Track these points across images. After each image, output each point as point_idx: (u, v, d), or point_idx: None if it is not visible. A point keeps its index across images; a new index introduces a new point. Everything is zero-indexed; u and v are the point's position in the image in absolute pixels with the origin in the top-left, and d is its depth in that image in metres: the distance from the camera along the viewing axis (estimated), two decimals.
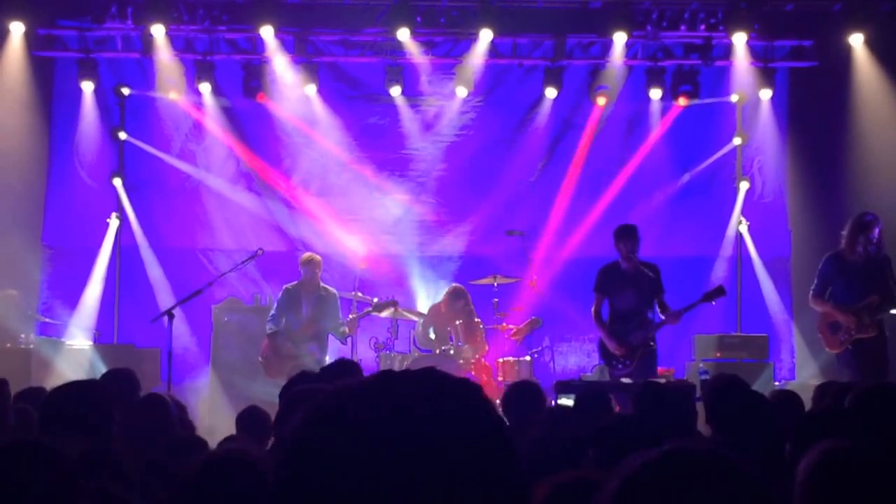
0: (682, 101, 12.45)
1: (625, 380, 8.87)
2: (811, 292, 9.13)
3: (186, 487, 2.44)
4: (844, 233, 8.96)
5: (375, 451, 1.22)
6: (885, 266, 8.83)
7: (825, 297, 8.98)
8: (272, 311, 10.70)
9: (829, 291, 8.98)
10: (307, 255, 10.89)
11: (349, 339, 10.89)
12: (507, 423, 1.33)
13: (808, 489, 2.46)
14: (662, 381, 8.62)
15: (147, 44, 12.16)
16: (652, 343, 9.19)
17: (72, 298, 12.22)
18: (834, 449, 2.51)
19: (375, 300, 11.04)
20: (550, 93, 12.55)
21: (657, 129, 12.79)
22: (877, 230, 8.76)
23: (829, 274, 8.95)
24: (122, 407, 3.89)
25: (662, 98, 12.55)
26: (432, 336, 11.12)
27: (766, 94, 12.44)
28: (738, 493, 1.47)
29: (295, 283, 10.70)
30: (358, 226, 12.88)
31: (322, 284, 10.72)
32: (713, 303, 9.14)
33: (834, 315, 8.85)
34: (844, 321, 8.76)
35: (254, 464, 2.43)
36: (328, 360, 10.49)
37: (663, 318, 9.12)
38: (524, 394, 5.90)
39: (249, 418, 5.75)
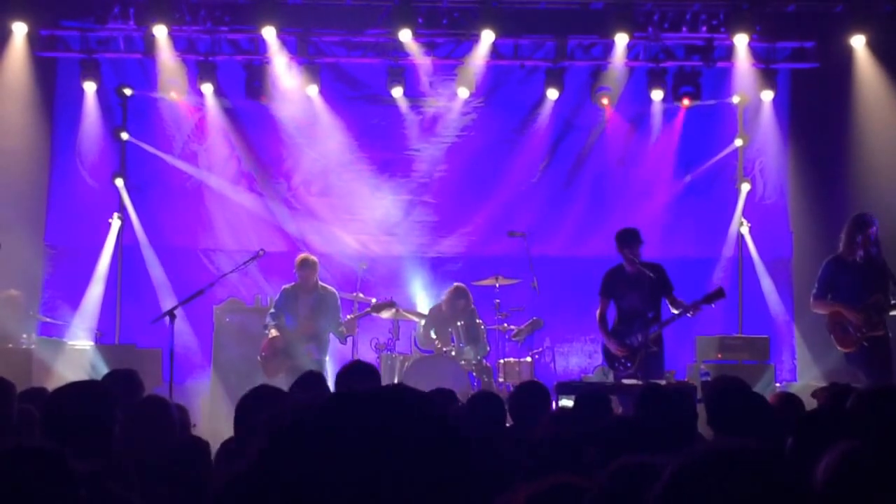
0: (685, 103, 12.46)
1: (628, 381, 8.88)
2: (812, 296, 9.11)
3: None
4: (843, 235, 8.96)
5: (334, 462, 1.27)
6: (885, 266, 8.84)
7: (827, 299, 8.97)
8: (271, 310, 10.71)
9: (829, 295, 8.97)
10: (301, 256, 10.86)
11: (350, 340, 10.90)
12: (465, 436, 1.38)
13: (829, 490, 2.46)
14: (662, 382, 8.63)
15: (149, 44, 12.17)
16: (654, 347, 9.18)
17: (73, 298, 12.22)
18: (855, 450, 2.51)
19: (373, 301, 11.05)
20: (552, 94, 12.55)
21: (658, 130, 12.80)
22: (874, 229, 8.77)
23: (830, 277, 8.95)
24: (125, 408, 3.89)
25: (664, 99, 12.55)
26: (434, 337, 11.12)
27: (767, 95, 12.44)
28: (781, 492, 1.47)
29: (293, 284, 10.70)
30: (359, 226, 12.89)
31: (321, 284, 10.71)
32: (713, 305, 9.14)
33: (842, 314, 8.84)
34: (854, 319, 8.75)
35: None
36: (328, 360, 10.48)
37: (675, 312, 9.11)
38: (531, 395, 5.91)
39: None
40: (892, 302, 8.75)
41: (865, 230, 8.77)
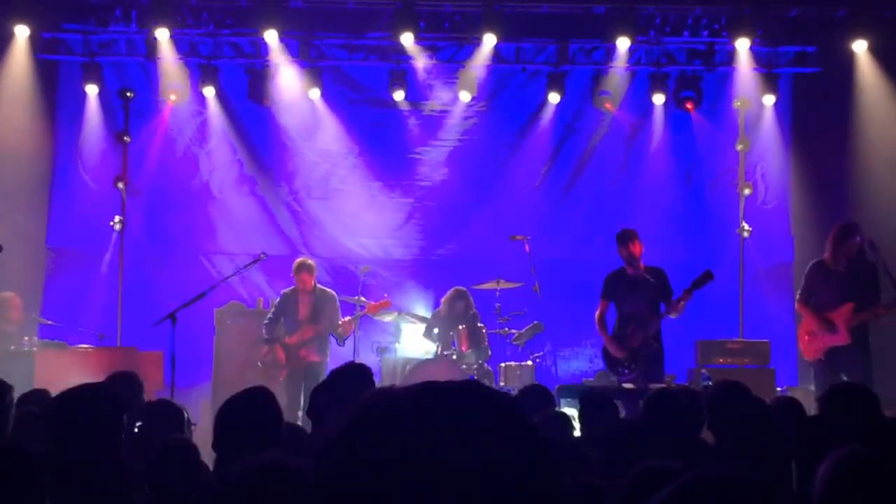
0: (687, 107, 12.47)
1: (629, 385, 8.88)
2: (797, 298, 9.26)
3: (226, 498, 2.43)
4: (827, 243, 9.07)
5: (413, 456, 1.26)
6: (869, 273, 8.90)
7: (809, 303, 9.09)
8: (269, 315, 10.71)
9: (812, 299, 9.08)
10: (298, 261, 10.86)
11: (352, 343, 10.89)
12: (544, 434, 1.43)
13: (830, 495, 2.47)
14: (664, 385, 8.62)
15: (151, 47, 12.20)
16: (655, 344, 9.17)
17: (75, 301, 12.22)
18: (857, 454, 2.51)
19: (364, 300, 11.02)
20: (553, 98, 12.56)
21: (660, 134, 12.81)
22: (858, 238, 8.85)
23: (813, 281, 9.06)
24: (128, 410, 3.89)
25: (665, 103, 12.57)
26: (435, 340, 11.13)
27: (769, 99, 12.45)
28: None
29: (292, 287, 10.71)
30: (361, 230, 12.90)
31: (319, 287, 10.71)
32: (701, 288, 9.14)
33: (810, 323, 8.97)
34: (818, 329, 8.87)
35: (299, 471, 2.43)
36: (329, 362, 10.48)
37: (669, 310, 9.13)
38: (535, 397, 5.92)
39: None
40: (879, 310, 8.79)
41: (848, 240, 8.86)
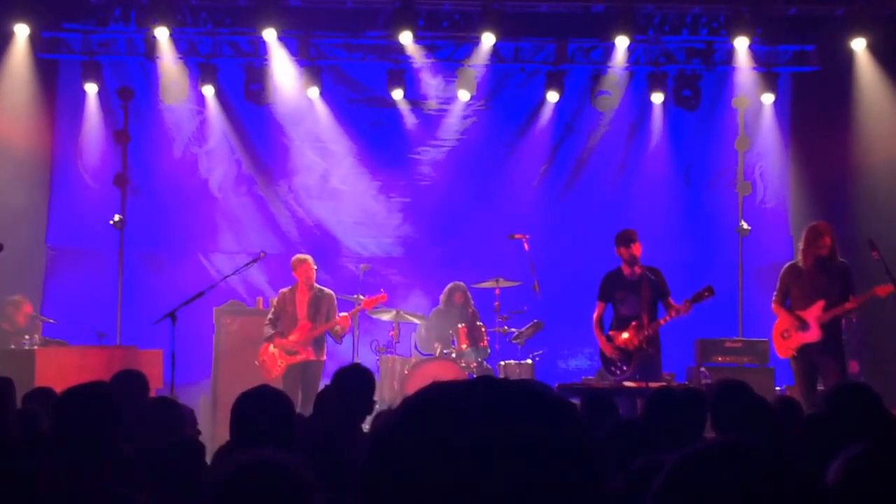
0: (685, 106, 12.48)
1: (627, 384, 8.90)
2: (773, 300, 9.31)
3: (216, 496, 2.43)
4: (799, 244, 9.17)
5: (463, 449, 1.27)
6: (842, 272, 8.97)
7: (783, 304, 9.19)
8: (269, 316, 10.71)
9: (787, 299, 9.20)
10: (297, 257, 10.86)
11: (351, 343, 10.90)
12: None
13: (842, 493, 2.47)
14: (664, 384, 8.64)
15: (150, 47, 12.21)
16: (650, 348, 9.19)
17: (75, 300, 12.23)
18: (870, 452, 2.52)
19: (363, 299, 11.02)
20: (552, 97, 12.58)
21: (659, 133, 12.82)
22: (828, 238, 8.94)
23: (786, 281, 9.16)
24: (133, 408, 3.90)
25: (664, 102, 12.58)
26: (434, 339, 11.14)
27: (768, 98, 12.47)
28: (789, 488, 1.47)
29: (290, 286, 10.70)
30: (360, 229, 12.91)
31: (317, 285, 10.71)
32: (700, 303, 9.19)
33: (784, 321, 9.06)
34: (790, 327, 8.99)
35: (288, 470, 2.43)
36: (326, 360, 10.47)
37: (667, 316, 9.17)
38: None
39: None
40: (848, 304, 8.86)
41: (819, 240, 8.94)
